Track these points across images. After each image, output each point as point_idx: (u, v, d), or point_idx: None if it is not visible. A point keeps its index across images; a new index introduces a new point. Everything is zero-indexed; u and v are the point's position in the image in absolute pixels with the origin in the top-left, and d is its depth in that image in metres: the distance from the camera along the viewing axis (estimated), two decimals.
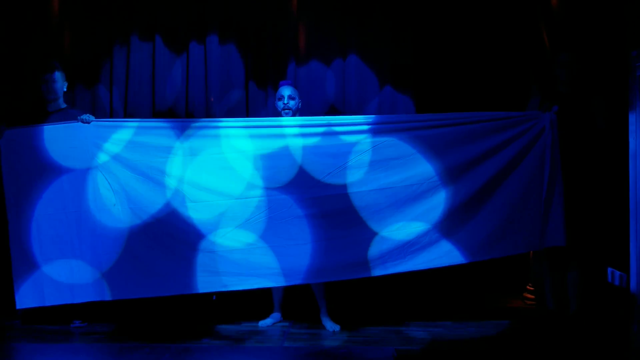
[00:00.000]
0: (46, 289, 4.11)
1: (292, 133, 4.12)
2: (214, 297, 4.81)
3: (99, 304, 4.22)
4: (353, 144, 4.10)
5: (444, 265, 4.10)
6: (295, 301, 4.64)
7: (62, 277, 4.11)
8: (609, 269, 4.43)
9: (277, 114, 4.49)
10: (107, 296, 4.11)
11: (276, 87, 4.76)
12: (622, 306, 4.03)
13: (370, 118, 4.21)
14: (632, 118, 3.79)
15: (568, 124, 4.13)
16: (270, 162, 4.11)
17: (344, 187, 4.09)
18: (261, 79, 5.16)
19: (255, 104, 5.16)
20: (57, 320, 4.38)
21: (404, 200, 4.07)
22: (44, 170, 4.11)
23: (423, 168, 4.08)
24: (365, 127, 4.12)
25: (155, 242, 4.08)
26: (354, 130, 4.12)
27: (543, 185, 4.06)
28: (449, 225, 4.07)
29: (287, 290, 4.50)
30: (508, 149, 4.06)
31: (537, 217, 4.07)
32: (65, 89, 4.57)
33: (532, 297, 4.88)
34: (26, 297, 4.13)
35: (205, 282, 4.09)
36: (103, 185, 4.11)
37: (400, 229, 4.07)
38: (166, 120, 4.53)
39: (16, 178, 4.13)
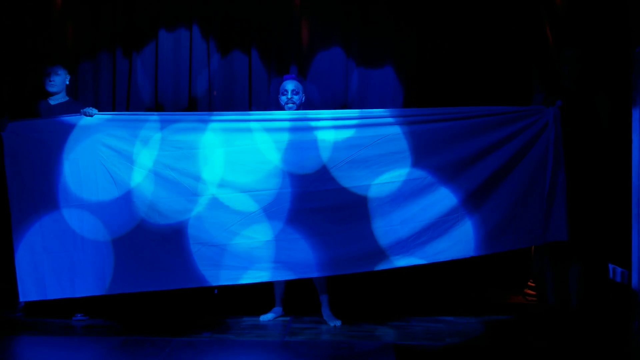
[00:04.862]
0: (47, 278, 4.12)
1: (298, 126, 4.12)
2: (215, 291, 4.83)
3: (101, 297, 4.21)
4: (354, 138, 4.08)
5: (446, 259, 4.10)
6: (296, 296, 4.64)
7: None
8: (611, 266, 4.43)
9: (280, 108, 4.48)
10: (107, 287, 4.11)
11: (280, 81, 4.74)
12: (623, 303, 4.03)
13: (373, 112, 4.20)
14: (635, 115, 3.78)
15: (572, 120, 4.12)
16: (280, 155, 4.10)
17: (348, 181, 4.08)
18: (265, 74, 5.17)
19: (259, 98, 5.18)
20: (59, 313, 4.37)
21: (406, 194, 4.06)
22: (48, 162, 4.10)
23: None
24: (368, 121, 4.10)
25: (161, 237, 4.08)
26: (354, 124, 4.10)
27: (546, 180, 4.04)
28: (451, 220, 4.06)
29: (289, 285, 4.50)
30: (511, 144, 4.04)
31: (540, 212, 4.06)
32: (67, 82, 4.57)
33: (534, 292, 4.88)
34: (29, 287, 4.13)
35: (209, 276, 4.09)
36: (105, 178, 4.10)
37: (403, 223, 4.06)
38: (170, 113, 4.58)
39: (19, 170, 4.12)
